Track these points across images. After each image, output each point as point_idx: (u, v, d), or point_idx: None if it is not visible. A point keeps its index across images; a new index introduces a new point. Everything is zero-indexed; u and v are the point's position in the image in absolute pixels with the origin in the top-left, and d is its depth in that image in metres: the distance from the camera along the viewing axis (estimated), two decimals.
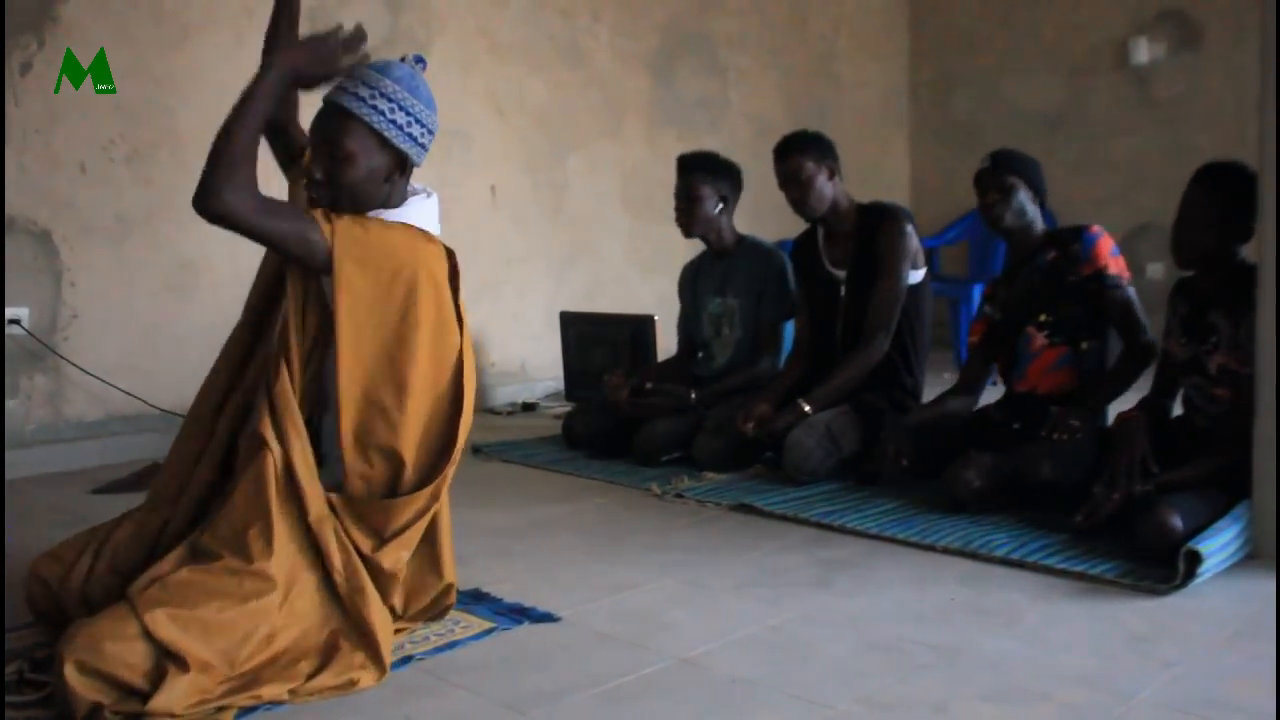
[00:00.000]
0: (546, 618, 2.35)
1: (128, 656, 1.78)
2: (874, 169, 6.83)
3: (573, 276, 5.59)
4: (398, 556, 2.14)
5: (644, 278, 5.80)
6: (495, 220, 5.26)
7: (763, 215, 5.20)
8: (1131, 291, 3.28)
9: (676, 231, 4.15)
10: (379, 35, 4.73)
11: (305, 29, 4.33)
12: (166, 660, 1.79)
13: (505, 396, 5.26)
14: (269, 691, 1.89)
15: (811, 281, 3.92)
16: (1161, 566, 2.50)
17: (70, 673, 1.75)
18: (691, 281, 4.32)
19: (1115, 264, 3.29)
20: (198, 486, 2.21)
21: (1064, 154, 6.47)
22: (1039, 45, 6.70)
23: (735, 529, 3.08)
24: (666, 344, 4.53)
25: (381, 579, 2.12)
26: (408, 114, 2.16)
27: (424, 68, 2.27)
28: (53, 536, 1.85)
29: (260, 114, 2.05)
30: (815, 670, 2.07)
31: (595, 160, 5.66)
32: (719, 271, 4.19)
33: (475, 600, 2.45)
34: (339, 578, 2.06)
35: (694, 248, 4.36)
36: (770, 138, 3.93)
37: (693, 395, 3.98)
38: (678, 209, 4.10)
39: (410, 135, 2.18)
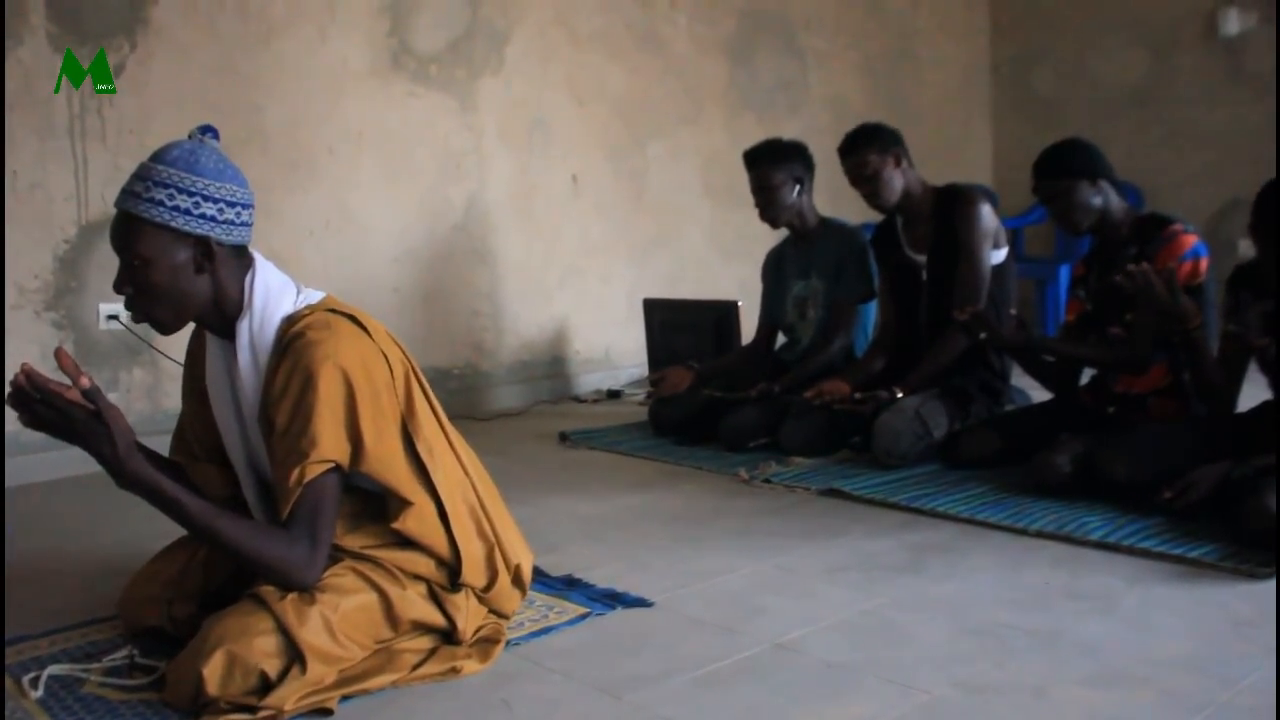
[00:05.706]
0: (639, 603, 2.36)
1: (267, 648, 1.81)
2: (956, 149, 6.75)
3: (655, 263, 5.60)
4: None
5: (726, 264, 5.79)
6: (577, 209, 5.29)
7: (842, 201, 5.17)
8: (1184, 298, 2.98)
9: (757, 217, 4.15)
10: (459, 28, 4.78)
11: (388, 23, 4.47)
12: (293, 654, 1.83)
13: (590, 384, 5.30)
14: (375, 683, 1.92)
15: (893, 268, 3.90)
16: (1263, 550, 2.45)
17: (214, 663, 1.78)
18: (775, 266, 4.32)
19: (1180, 268, 3.06)
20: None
21: (1151, 129, 6.35)
22: (1123, 17, 6.54)
23: (824, 514, 3.07)
24: (750, 330, 4.52)
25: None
26: (190, 194, 1.92)
27: (214, 137, 2.02)
28: (159, 523, 1.90)
29: (193, 507, 1.86)
30: (910, 655, 2.06)
31: (675, 147, 5.66)
32: (802, 254, 4.18)
33: (568, 586, 2.47)
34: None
35: (776, 233, 4.35)
36: (850, 120, 3.90)
37: (774, 387, 3.97)
38: (758, 204, 4.09)
39: (203, 216, 1.93)
